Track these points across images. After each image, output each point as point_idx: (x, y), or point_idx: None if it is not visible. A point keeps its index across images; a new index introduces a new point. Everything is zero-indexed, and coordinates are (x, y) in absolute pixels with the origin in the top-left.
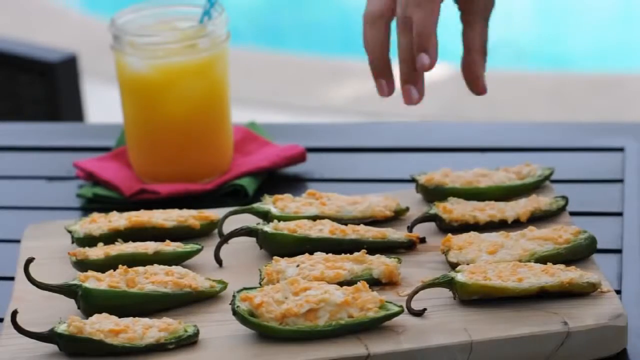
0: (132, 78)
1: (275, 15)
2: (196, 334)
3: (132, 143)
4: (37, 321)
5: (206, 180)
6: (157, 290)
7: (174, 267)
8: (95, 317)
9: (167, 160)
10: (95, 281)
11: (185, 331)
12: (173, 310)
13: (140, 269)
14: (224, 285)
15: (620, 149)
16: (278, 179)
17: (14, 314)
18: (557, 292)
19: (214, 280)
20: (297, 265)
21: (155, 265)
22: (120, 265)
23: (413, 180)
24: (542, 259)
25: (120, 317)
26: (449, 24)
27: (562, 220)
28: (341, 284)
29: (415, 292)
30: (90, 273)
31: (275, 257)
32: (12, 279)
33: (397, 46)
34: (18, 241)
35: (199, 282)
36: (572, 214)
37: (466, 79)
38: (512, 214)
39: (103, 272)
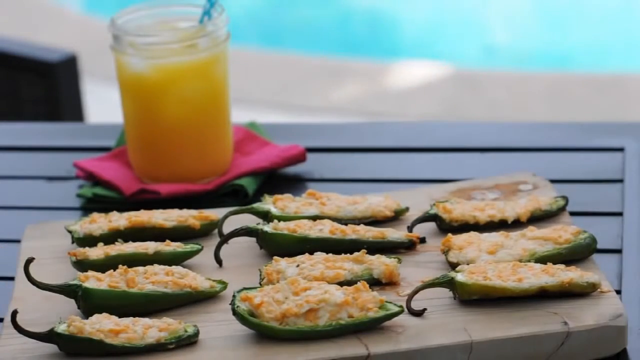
0: (132, 78)
1: (275, 15)
2: (196, 334)
3: (132, 143)
4: (37, 321)
5: (206, 180)
6: (157, 291)
7: (174, 267)
8: (95, 317)
9: (167, 160)
10: (96, 281)
11: (185, 331)
12: (173, 310)
13: (140, 269)
14: (224, 285)
15: (620, 149)
16: (278, 179)
17: (14, 314)
18: (557, 292)
19: (214, 280)
20: (297, 265)
21: (155, 265)
22: (120, 265)
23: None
24: (542, 259)
25: (120, 317)
26: (449, 24)
27: (562, 220)
28: (341, 284)
29: (415, 292)
30: (90, 273)
31: (275, 257)
32: (12, 279)
33: None
34: (18, 241)
35: (199, 282)
36: (572, 214)
37: None
38: (512, 214)
39: (103, 272)
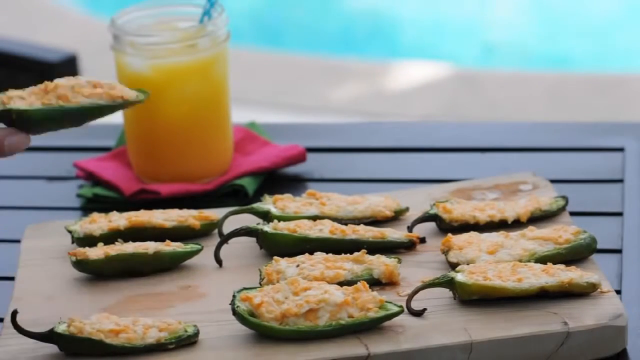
0: (132, 78)
1: (275, 15)
2: (196, 334)
3: (132, 143)
4: (37, 321)
5: (206, 180)
6: (93, 103)
7: (101, 80)
8: (96, 318)
9: (167, 160)
10: (20, 99)
11: (185, 331)
12: (173, 310)
13: (67, 84)
14: (147, 93)
15: (620, 149)
16: (278, 179)
17: (14, 314)
18: (557, 292)
19: (137, 90)
20: (297, 265)
21: (78, 77)
22: (45, 82)
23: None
24: (542, 259)
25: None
26: (449, 24)
27: (562, 220)
28: (341, 284)
29: (415, 292)
30: (12, 92)
31: (275, 257)
32: (12, 279)
33: None
34: (18, 241)
35: (125, 92)
36: (572, 214)
37: None
38: (512, 214)
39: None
